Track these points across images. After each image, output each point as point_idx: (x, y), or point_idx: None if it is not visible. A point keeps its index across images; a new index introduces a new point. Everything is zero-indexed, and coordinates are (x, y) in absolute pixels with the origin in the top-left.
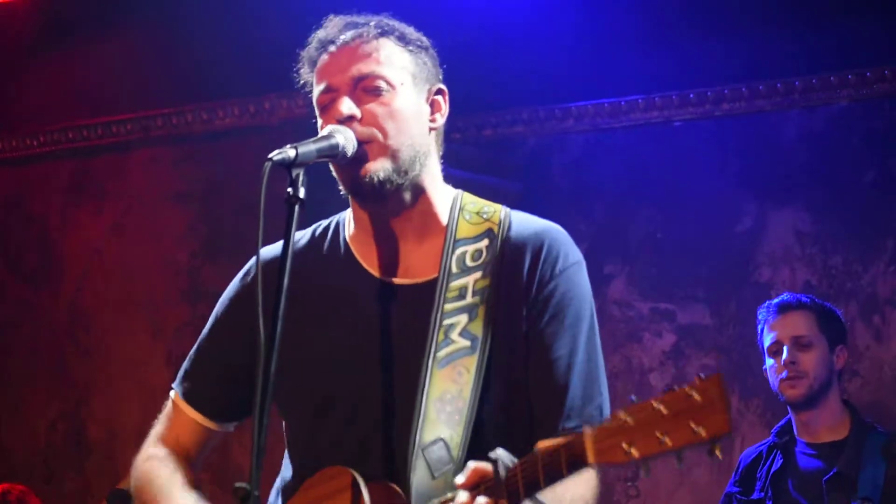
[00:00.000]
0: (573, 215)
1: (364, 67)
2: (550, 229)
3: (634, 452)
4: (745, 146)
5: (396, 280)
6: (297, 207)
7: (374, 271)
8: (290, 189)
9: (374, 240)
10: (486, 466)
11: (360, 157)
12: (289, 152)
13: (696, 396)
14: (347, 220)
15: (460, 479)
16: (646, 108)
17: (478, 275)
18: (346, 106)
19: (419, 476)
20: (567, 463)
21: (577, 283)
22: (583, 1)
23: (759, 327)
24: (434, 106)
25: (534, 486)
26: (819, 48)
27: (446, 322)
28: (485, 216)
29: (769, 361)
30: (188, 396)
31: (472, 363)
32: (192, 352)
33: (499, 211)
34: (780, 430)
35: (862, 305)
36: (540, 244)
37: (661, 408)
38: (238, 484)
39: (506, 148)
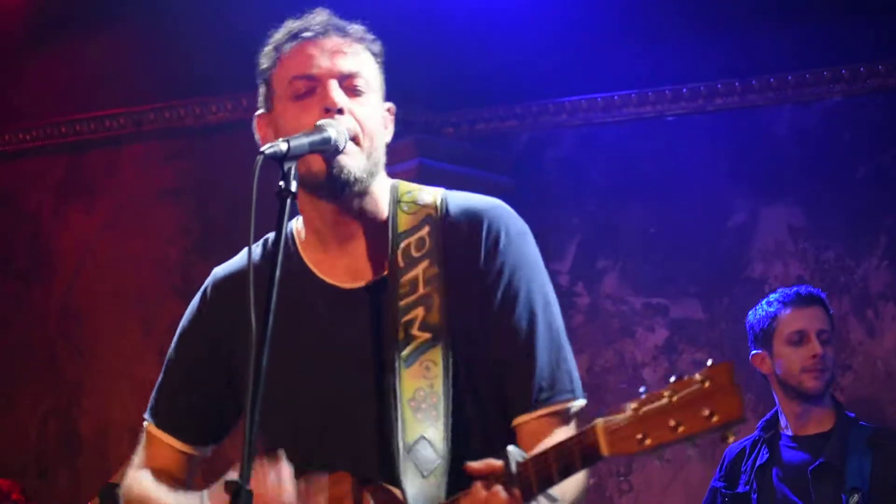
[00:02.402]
0: (566, 210)
1: (352, 65)
2: (489, 205)
3: (648, 442)
4: (738, 141)
5: (349, 285)
6: (288, 201)
7: (328, 278)
8: (281, 182)
9: (324, 245)
10: (496, 462)
11: (344, 148)
12: (281, 146)
13: (707, 383)
14: (296, 230)
15: (471, 466)
16: (639, 103)
17: (425, 264)
18: (340, 97)
19: (410, 478)
20: (581, 456)
21: (523, 252)
22: None
23: (771, 311)
24: (385, 121)
25: (547, 481)
26: (812, 43)
27: (404, 319)
28: (421, 203)
29: (785, 349)
30: (162, 424)
31: (437, 355)
32: (160, 379)
33: (436, 195)
34: (765, 425)
35: (855, 300)
36: (479, 221)
37: (673, 397)
38: (229, 478)
39: (498, 143)
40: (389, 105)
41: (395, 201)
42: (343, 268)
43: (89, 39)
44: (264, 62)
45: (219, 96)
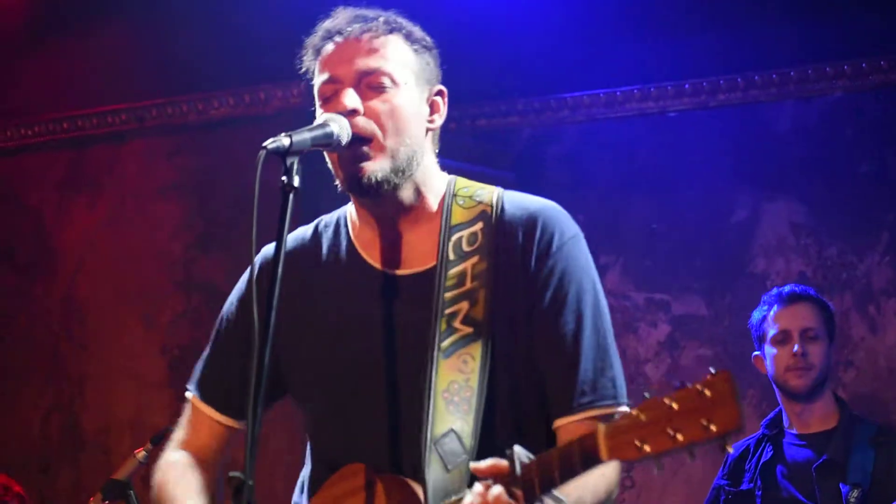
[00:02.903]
0: (568, 206)
1: (371, 62)
2: (545, 206)
3: (647, 448)
4: (740, 137)
5: (397, 271)
6: (291, 196)
7: (376, 263)
8: (284, 177)
9: (374, 233)
10: (502, 462)
11: (360, 155)
12: (283, 141)
13: (707, 392)
14: (349, 214)
15: (475, 465)
16: (641, 99)
17: (475, 259)
18: (351, 99)
19: (434, 470)
20: (581, 459)
21: (575, 256)
22: None
23: (760, 313)
24: (433, 107)
25: (549, 482)
26: (815, 38)
27: (448, 311)
28: (478, 199)
29: (771, 350)
30: (206, 397)
31: (476, 350)
32: (205, 353)
33: (492, 193)
34: (769, 423)
35: (857, 296)
36: (534, 222)
37: (673, 404)
38: (232, 473)
39: (501, 138)
40: (438, 88)
41: (452, 195)
42: (392, 254)
43: (91, 35)
44: (307, 66)
45: (221, 92)
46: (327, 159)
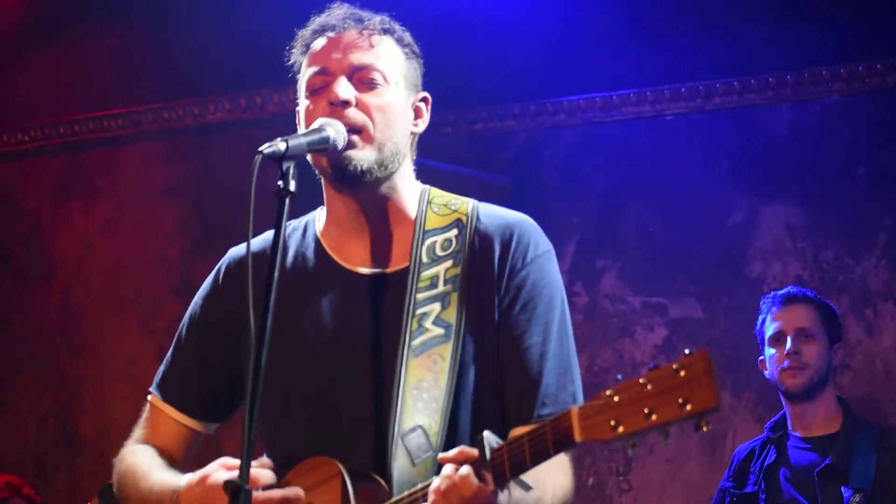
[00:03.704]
0: (564, 210)
1: (365, 58)
2: (520, 219)
3: (621, 429)
4: (737, 140)
5: (367, 270)
6: (287, 200)
7: (345, 263)
8: (280, 182)
9: (345, 232)
10: (471, 449)
11: (349, 143)
12: (279, 145)
13: (683, 372)
14: (317, 217)
15: (443, 455)
16: (637, 103)
17: (448, 263)
18: (344, 89)
19: (399, 464)
20: (553, 441)
21: (547, 271)
22: None
23: (761, 317)
24: (417, 112)
25: (520, 467)
26: (811, 42)
27: (419, 311)
28: (452, 208)
29: (770, 351)
30: (169, 397)
31: (446, 351)
32: (168, 354)
33: (467, 203)
34: (773, 426)
35: (853, 299)
36: (510, 234)
37: (648, 384)
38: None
39: (497, 142)
40: (423, 94)
41: (427, 202)
42: (362, 254)
43: (88, 40)
44: (295, 59)
45: (217, 96)
46: (298, 122)
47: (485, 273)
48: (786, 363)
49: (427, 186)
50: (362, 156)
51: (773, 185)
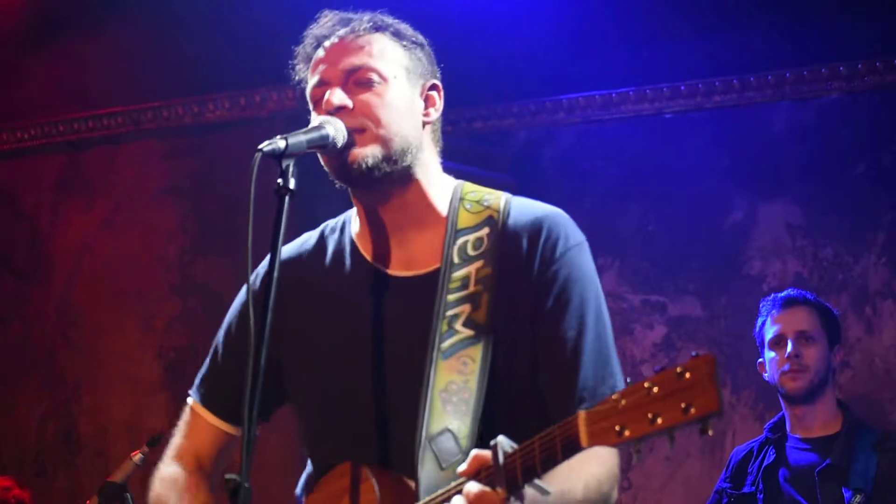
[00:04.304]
0: (564, 208)
1: (356, 60)
2: (550, 213)
3: (627, 433)
4: (736, 138)
5: (400, 272)
6: (287, 198)
7: (379, 265)
8: (280, 180)
9: (375, 233)
10: (486, 454)
11: (350, 143)
12: (279, 143)
13: (687, 375)
14: (353, 217)
15: (462, 467)
16: (637, 101)
17: (479, 263)
18: (337, 97)
19: (428, 468)
20: (562, 446)
21: (578, 264)
22: None
23: (761, 320)
24: (428, 101)
25: (531, 472)
26: (810, 40)
27: (449, 313)
28: (485, 204)
29: (770, 354)
30: (207, 402)
31: (476, 353)
32: (207, 359)
33: (500, 198)
34: (773, 427)
35: (853, 297)
36: (539, 228)
37: (653, 388)
38: (228, 476)
39: (497, 141)
40: (432, 82)
41: (459, 199)
42: (395, 256)
43: (88, 38)
44: (301, 77)
45: (217, 95)
46: (319, 155)
47: (515, 271)
48: (786, 366)
49: (460, 182)
50: (364, 152)
51: (773, 182)
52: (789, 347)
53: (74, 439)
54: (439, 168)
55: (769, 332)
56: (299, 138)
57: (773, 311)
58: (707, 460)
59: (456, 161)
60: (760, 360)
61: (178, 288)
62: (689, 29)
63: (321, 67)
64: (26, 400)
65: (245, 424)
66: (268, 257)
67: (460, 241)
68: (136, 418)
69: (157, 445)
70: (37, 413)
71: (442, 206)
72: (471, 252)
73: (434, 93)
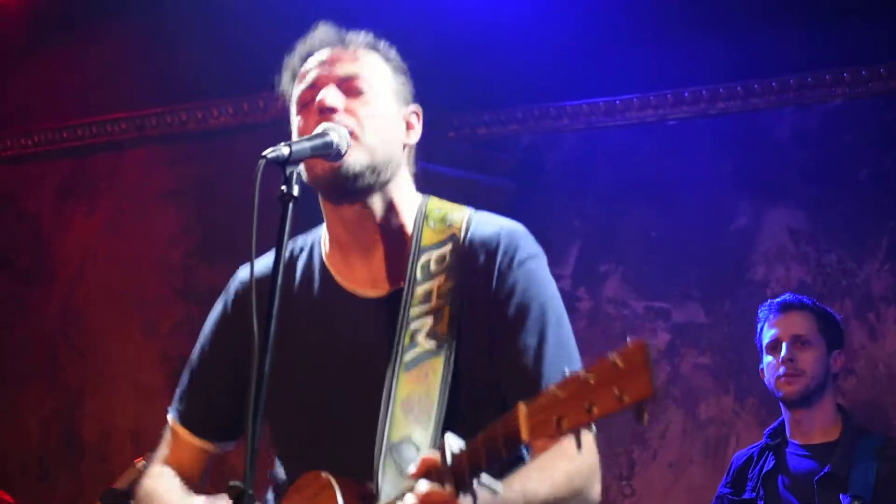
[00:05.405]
0: (567, 214)
1: (350, 68)
2: (507, 227)
3: (564, 424)
4: (740, 144)
5: (367, 293)
6: (291, 205)
7: (348, 285)
8: (284, 187)
9: (344, 252)
10: (433, 455)
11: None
12: (283, 150)
13: (620, 363)
14: (322, 237)
15: (411, 468)
16: (640, 107)
17: (441, 279)
18: (331, 95)
19: (389, 475)
20: (503, 441)
21: (536, 274)
22: None
23: (759, 325)
24: (408, 125)
25: (477, 469)
26: (814, 46)
27: (412, 327)
28: (448, 222)
29: (767, 358)
30: (184, 420)
31: (438, 364)
32: (184, 375)
33: (463, 215)
34: (772, 432)
35: (856, 303)
36: (496, 241)
37: (589, 378)
38: (232, 483)
39: (500, 146)
40: (413, 107)
41: (423, 216)
42: (363, 276)
43: (91, 44)
44: (285, 87)
45: (220, 100)
46: (302, 165)
47: (475, 284)
48: (781, 370)
49: (426, 198)
50: (351, 159)
51: (777, 188)
52: (783, 351)
53: (77, 444)
54: (413, 188)
55: (766, 337)
56: (303, 145)
57: (771, 316)
58: (710, 467)
59: (459, 166)
60: (761, 366)
61: (181, 293)
62: (693, 35)
63: (314, 72)
64: (29, 405)
65: (249, 432)
66: (238, 272)
67: (423, 258)
68: (139, 424)
69: None
70: (39, 418)
71: (408, 225)
72: (433, 268)
73: (414, 117)
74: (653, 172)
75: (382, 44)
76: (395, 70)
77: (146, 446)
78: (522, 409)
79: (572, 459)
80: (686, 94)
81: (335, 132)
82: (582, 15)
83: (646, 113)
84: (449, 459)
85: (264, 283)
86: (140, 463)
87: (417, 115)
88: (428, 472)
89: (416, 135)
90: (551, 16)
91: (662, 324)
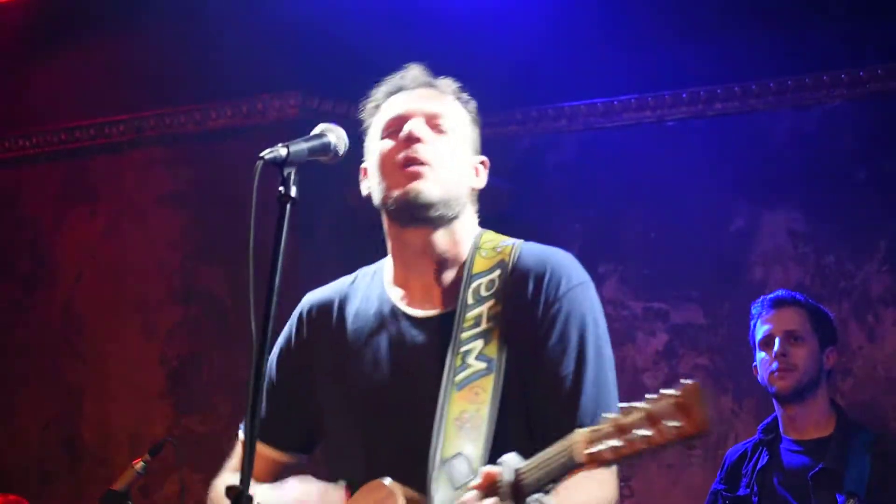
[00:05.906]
0: (566, 215)
1: (437, 107)
2: (554, 254)
3: (622, 452)
4: (738, 145)
5: (421, 313)
6: (288, 206)
7: (405, 306)
8: (281, 188)
9: (406, 274)
10: (497, 470)
11: (415, 175)
12: (280, 151)
13: (677, 399)
14: (386, 266)
15: (474, 481)
16: (638, 108)
17: (491, 303)
18: (418, 127)
19: (441, 488)
20: (560, 463)
21: (580, 302)
22: (576, 0)
23: (752, 322)
24: (476, 171)
25: (534, 489)
26: (812, 47)
27: (463, 349)
28: (498, 250)
29: (760, 355)
30: (262, 436)
31: (488, 383)
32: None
33: (512, 244)
34: (766, 428)
35: (855, 304)
36: (543, 269)
37: (648, 410)
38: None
39: (499, 148)
40: (481, 157)
41: (476, 247)
42: (419, 298)
43: (89, 47)
44: (366, 117)
45: (219, 102)
46: (363, 178)
47: (523, 309)
48: (774, 365)
49: (481, 230)
50: (428, 186)
51: (775, 190)
52: (776, 346)
53: (77, 447)
54: (475, 225)
55: (759, 333)
56: (301, 146)
57: (764, 312)
58: (709, 467)
59: None
60: (755, 363)
61: (180, 295)
62: (691, 36)
63: (404, 105)
64: (29, 407)
65: (247, 434)
66: (309, 297)
67: (474, 284)
68: (138, 426)
69: (158, 454)
70: (39, 420)
71: (464, 254)
72: (483, 293)
73: (481, 167)
74: (651, 173)
75: (464, 95)
76: (472, 120)
77: (145, 448)
78: (581, 433)
79: (602, 485)
80: (684, 95)
81: (333, 133)
82: (579, 16)
83: (644, 114)
84: (508, 476)
85: (326, 313)
86: (138, 464)
87: (484, 164)
88: (489, 485)
89: (481, 182)
90: (548, 17)
91: (661, 325)
